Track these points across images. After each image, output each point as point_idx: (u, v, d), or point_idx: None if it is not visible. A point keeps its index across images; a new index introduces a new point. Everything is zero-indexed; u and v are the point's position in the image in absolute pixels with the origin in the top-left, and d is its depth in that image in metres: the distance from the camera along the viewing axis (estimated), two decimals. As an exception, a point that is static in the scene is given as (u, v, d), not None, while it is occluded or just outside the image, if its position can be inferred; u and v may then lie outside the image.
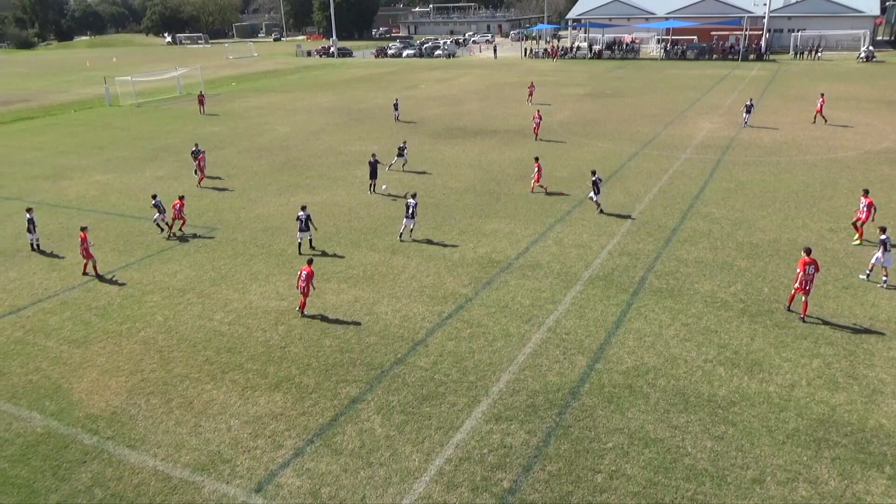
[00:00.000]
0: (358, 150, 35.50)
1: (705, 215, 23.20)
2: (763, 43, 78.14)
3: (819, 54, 76.71)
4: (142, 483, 11.21)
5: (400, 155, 30.27)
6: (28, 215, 21.74)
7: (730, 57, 78.67)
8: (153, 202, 23.26)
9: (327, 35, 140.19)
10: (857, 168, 28.52)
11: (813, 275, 15.43)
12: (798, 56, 78.19)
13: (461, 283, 18.44)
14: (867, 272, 17.75)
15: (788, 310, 16.18)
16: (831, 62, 72.60)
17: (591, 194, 23.89)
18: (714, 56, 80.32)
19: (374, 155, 27.36)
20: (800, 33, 79.71)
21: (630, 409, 12.59)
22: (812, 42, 78.29)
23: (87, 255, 19.66)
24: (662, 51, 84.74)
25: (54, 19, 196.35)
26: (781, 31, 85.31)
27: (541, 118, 36.47)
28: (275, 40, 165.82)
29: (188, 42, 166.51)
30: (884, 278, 17.32)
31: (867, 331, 15.12)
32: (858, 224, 20.28)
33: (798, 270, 15.49)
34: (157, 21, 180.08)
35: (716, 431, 11.88)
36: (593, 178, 23.60)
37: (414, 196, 21.57)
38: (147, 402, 13.44)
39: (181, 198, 23.18)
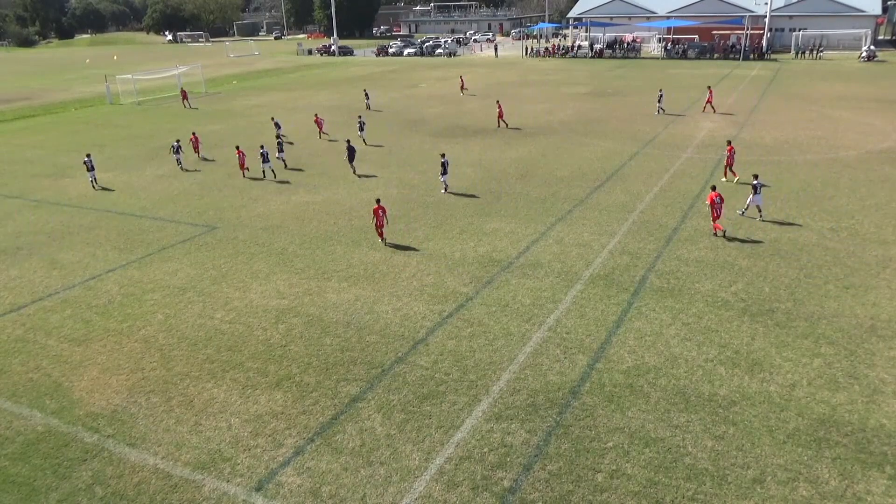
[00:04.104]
0: (358, 147, 35.38)
1: (706, 214, 23.15)
2: (764, 42, 78.05)
3: (820, 54, 76.64)
4: (142, 481, 11.22)
5: (361, 130, 37.08)
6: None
7: (731, 56, 78.55)
8: (262, 151, 29.79)
9: (328, 33, 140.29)
10: (858, 167, 28.48)
11: (720, 204, 20.37)
12: (799, 55, 78.09)
13: (462, 281, 18.44)
14: (743, 209, 22.59)
15: (715, 235, 20.89)
16: (833, 62, 72.51)
17: (441, 176, 26.80)
18: (715, 55, 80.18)
19: (348, 140, 31.51)
20: (801, 33, 79.59)
21: (630, 409, 12.58)
22: (813, 41, 78.17)
23: None
24: (663, 50, 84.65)
25: (55, 17, 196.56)
26: (783, 30, 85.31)
27: (500, 106, 41.10)
28: (276, 39, 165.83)
29: (189, 40, 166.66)
30: (760, 215, 22.22)
31: (868, 330, 15.10)
32: (729, 168, 26.69)
33: (707, 203, 20.75)
34: (158, 19, 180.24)
35: (716, 431, 11.88)
36: (442, 161, 26.49)
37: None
38: (147, 401, 13.45)
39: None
